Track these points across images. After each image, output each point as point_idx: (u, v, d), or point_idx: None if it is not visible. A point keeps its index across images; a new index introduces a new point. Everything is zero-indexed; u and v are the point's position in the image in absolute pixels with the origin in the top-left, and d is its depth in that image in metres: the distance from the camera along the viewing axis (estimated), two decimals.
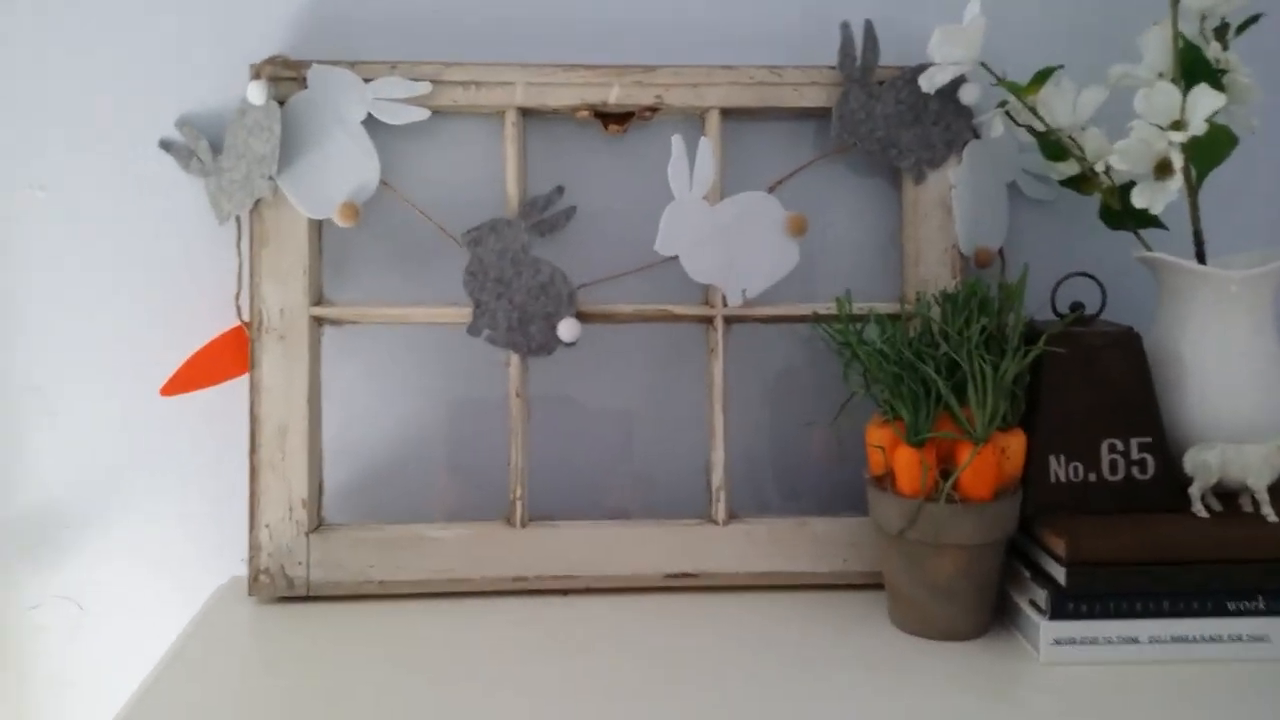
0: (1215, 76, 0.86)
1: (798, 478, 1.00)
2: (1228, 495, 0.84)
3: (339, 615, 0.86)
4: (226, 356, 0.93)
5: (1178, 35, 0.85)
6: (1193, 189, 0.87)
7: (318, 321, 0.91)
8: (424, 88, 0.89)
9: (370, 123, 0.90)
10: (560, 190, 0.91)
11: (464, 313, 0.90)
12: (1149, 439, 0.83)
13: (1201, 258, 0.89)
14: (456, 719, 0.70)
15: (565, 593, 0.90)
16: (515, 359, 0.91)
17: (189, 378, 0.93)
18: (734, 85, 0.92)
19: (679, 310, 0.92)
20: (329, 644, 0.81)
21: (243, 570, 0.91)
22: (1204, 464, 0.81)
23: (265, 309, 0.89)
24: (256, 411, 0.89)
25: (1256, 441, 0.82)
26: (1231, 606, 0.77)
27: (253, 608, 0.87)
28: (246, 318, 0.91)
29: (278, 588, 0.88)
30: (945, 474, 0.79)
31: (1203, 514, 0.82)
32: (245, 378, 0.90)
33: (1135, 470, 0.83)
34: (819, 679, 0.75)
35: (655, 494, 0.98)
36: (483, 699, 0.73)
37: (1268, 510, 0.81)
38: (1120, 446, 0.83)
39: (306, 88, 0.89)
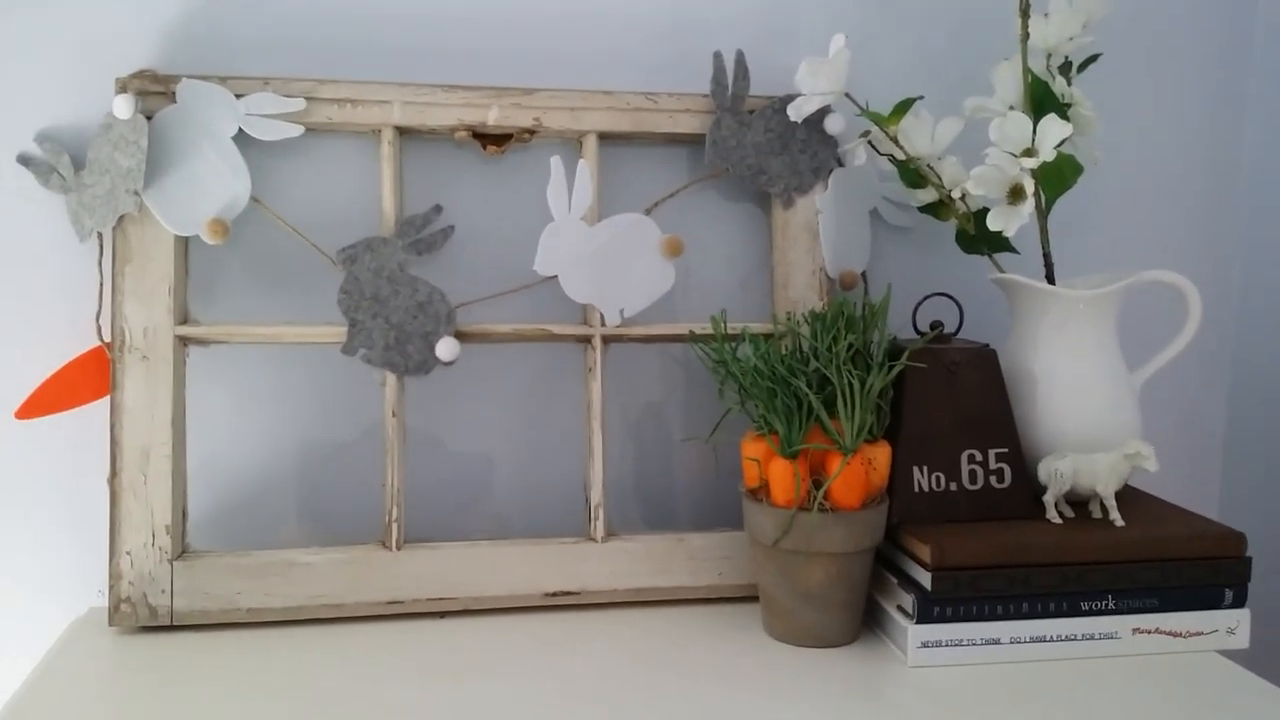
0: (1062, 109, 0.91)
1: (674, 494, 1.01)
2: (1079, 502, 0.89)
3: (205, 645, 0.82)
4: (86, 378, 0.89)
5: (1027, 70, 0.91)
6: (1042, 214, 0.93)
7: (183, 341, 0.88)
8: (297, 104, 0.88)
9: (242, 140, 0.88)
10: (438, 209, 0.91)
11: (338, 332, 0.89)
12: (1005, 450, 0.88)
13: (1051, 279, 0.94)
14: None
15: (442, 615, 0.88)
16: (391, 378, 0.90)
17: (46, 400, 0.89)
18: (611, 110, 0.94)
19: (558, 330, 0.93)
20: (195, 675, 0.78)
21: (102, 600, 0.87)
22: (1056, 473, 0.86)
23: (128, 328, 0.86)
24: (117, 434, 0.85)
25: (1104, 450, 0.87)
26: (1085, 606, 0.81)
27: (113, 638, 0.83)
28: (108, 338, 0.87)
29: (140, 617, 0.84)
30: (817, 484, 0.81)
31: (1056, 520, 0.86)
32: (106, 400, 0.87)
33: (993, 479, 0.87)
34: (698, 691, 0.76)
35: (533, 513, 0.98)
36: None
37: (1115, 515, 0.85)
38: (979, 457, 0.87)
39: (175, 102, 0.87)
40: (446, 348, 0.89)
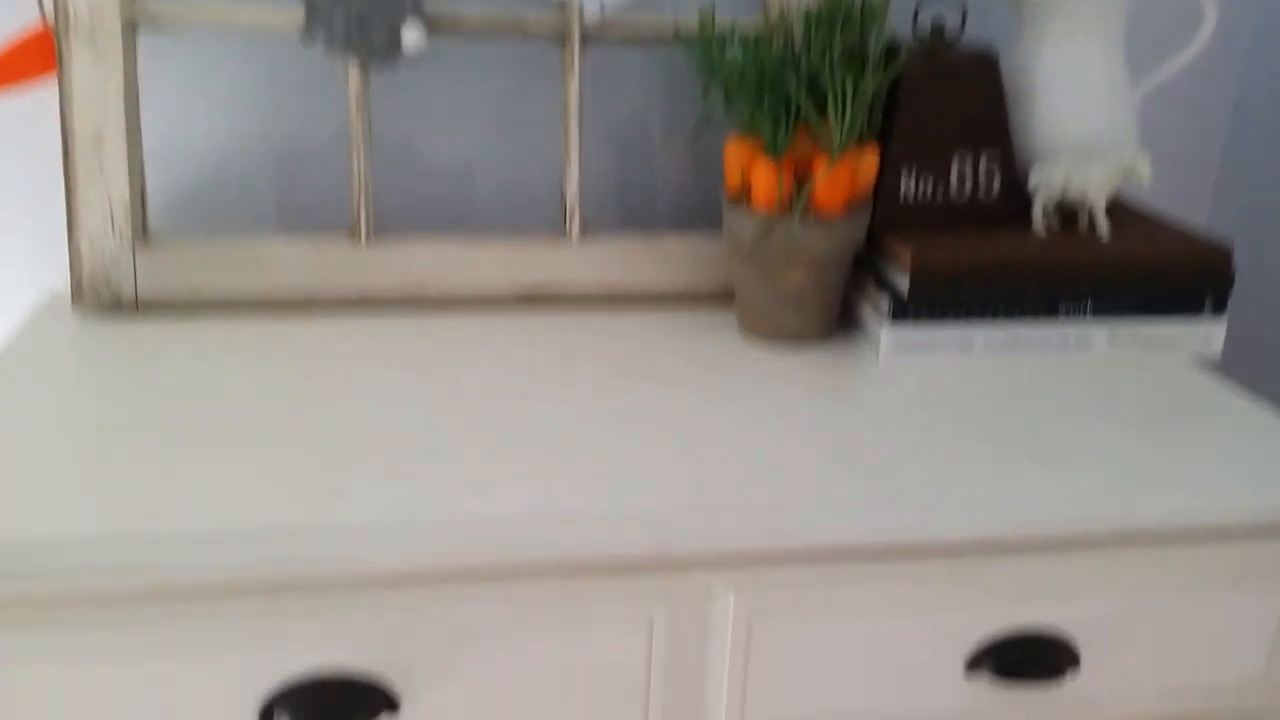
0: None
1: (654, 197, 0.99)
2: (1068, 215, 0.87)
3: (172, 330, 0.81)
4: (30, 58, 0.84)
5: None
6: None
7: (131, 23, 0.82)
8: None
9: None
10: None
11: (295, 13, 0.83)
12: (998, 155, 0.84)
13: None
14: (300, 430, 0.68)
15: (413, 308, 0.87)
16: (355, 66, 0.84)
17: None
18: None
19: (533, 21, 0.87)
20: (162, 357, 0.77)
21: (64, 287, 0.85)
22: (1047, 180, 0.83)
23: (72, 7, 0.80)
24: (67, 118, 0.81)
25: (1098, 160, 0.84)
26: (1063, 310, 0.81)
27: (78, 322, 0.82)
28: (51, 17, 0.81)
29: (103, 299, 0.82)
30: (800, 188, 0.79)
31: (1042, 230, 0.84)
32: (55, 85, 0.82)
33: (982, 187, 0.85)
34: (670, 384, 0.76)
35: (508, 212, 0.96)
36: (327, 410, 0.70)
37: (1103, 227, 0.83)
38: (970, 163, 0.84)
39: None
40: (412, 33, 0.84)
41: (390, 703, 0.60)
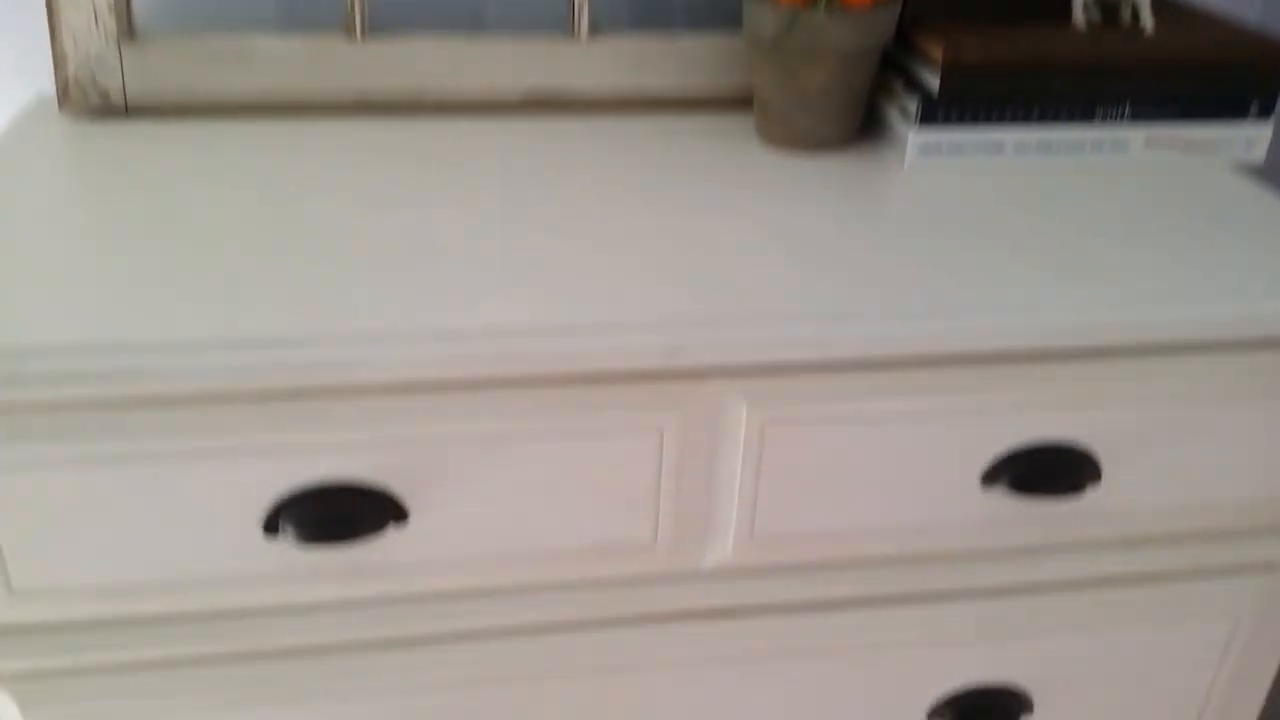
0: None
1: None
2: (1109, 10, 0.81)
3: (162, 133, 0.78)
4: None
5: None
6: None
7: None
8: None
9: None
10: None
11: None
12: None
13: None
14: (298, 236, 0.66)
15: (413, 112, 0.83)
16: None
17: None
18: None
19: None
20: (152, 162, 0.74)
21: (50, 87, 0.81)
22: None
23: None
24: None
25: None
26: (1099, 113, 0.76)
27: (66, 125, 0.78)
28: None
29: (90, 101, 0.79)
30: None
31: (1081, 24, 0.79)
32: None
33: None
34: (687, 192, 0.73)
35: (510, 8, 0.90)
36: (326, 216, 0.68)
37: (1147, 19, 0.78)
38: None
39: None
40: None
41: (399, 513, 0.60)
